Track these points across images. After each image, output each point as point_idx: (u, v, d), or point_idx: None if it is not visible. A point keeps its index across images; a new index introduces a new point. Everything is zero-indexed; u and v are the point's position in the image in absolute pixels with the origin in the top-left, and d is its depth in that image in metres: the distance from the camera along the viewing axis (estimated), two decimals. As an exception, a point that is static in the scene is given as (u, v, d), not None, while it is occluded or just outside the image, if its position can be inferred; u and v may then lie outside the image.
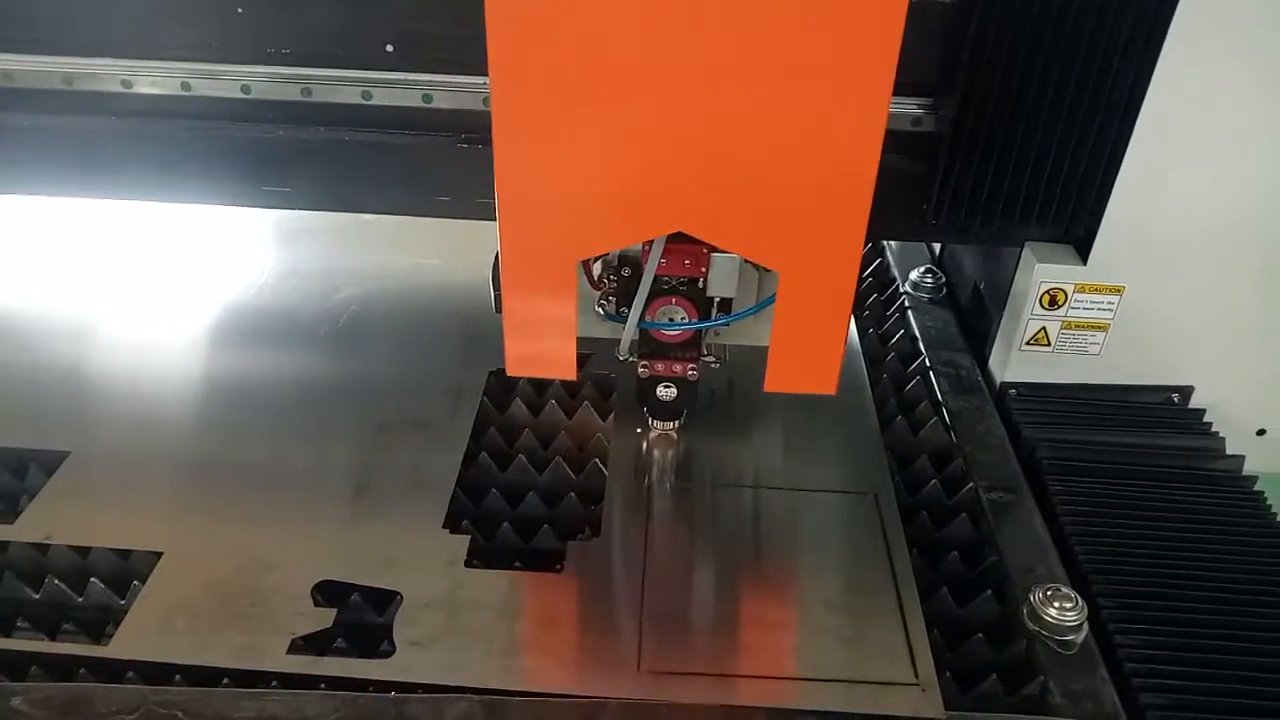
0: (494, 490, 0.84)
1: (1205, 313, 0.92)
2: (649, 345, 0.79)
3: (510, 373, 0.76)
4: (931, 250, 1.19)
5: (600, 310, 0.77)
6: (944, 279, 1.12)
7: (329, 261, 1.16)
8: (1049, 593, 0.72)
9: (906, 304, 1.10)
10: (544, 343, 0.74)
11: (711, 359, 0.81)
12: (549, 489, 0.86)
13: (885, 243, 1.23)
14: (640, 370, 0.81)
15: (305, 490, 0.84)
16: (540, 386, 0.97)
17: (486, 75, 0.62)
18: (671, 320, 0.76)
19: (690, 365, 0.80)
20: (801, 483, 0.85)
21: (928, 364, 1.00)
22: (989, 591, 0.76)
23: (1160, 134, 0.82)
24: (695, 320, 0.76)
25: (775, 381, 0.75)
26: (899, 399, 0.98)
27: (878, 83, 0.61)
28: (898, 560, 0.77)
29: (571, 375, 0.76)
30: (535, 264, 0.70)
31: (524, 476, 0.87)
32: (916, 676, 0.68)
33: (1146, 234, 0.87)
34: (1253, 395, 0.96)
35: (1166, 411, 0.95)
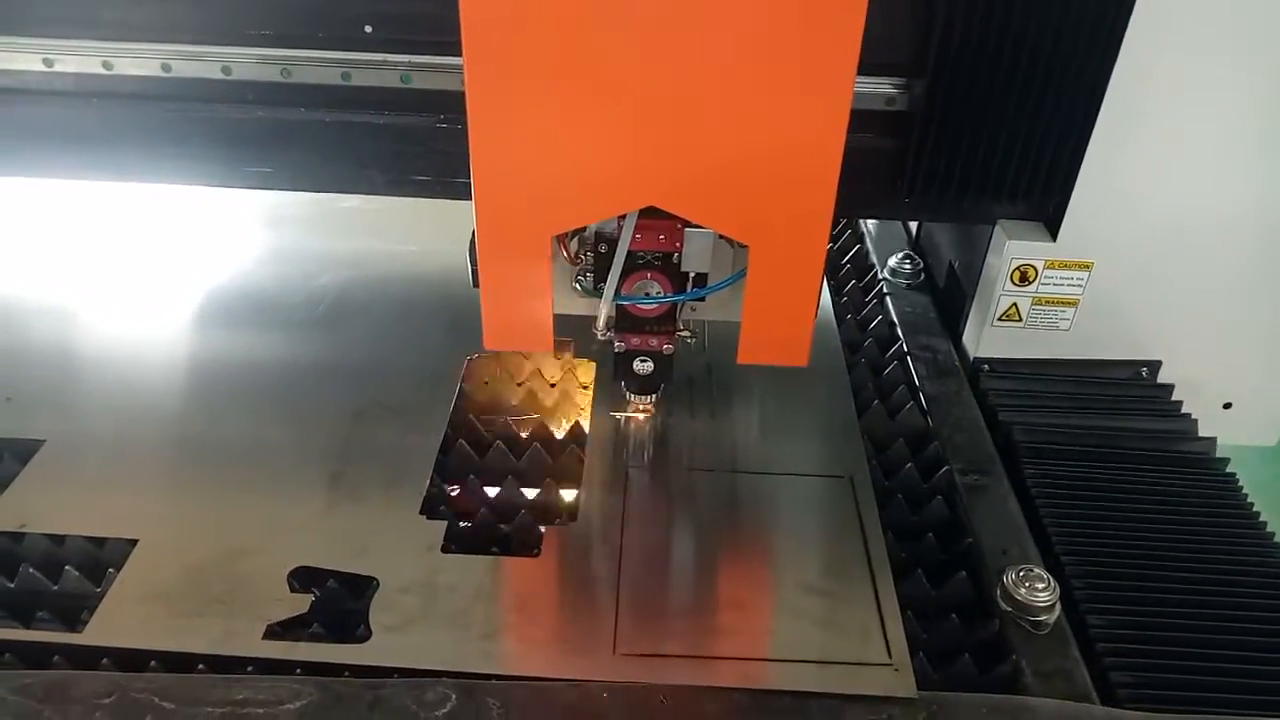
0: (471, 476, 0.84)
1: (1173, 289, 0.93)
2: (625, 320, 0.80)
3: (488, 346, 0.76)
4: (909, 235, 1.20)
5: (578, 287, 0.78)
6: (921, 264, 1.13)
7: (308, 248, 1.15)
8: (1022, 574, 0.72)
9: (885, 290, 1.11)
10: (520, 316, 0.74)
11: (687, 334, 0.82)
12: (526, 475, 0.86)
13: (864, 230, 1.23)
14: (616, 345, 0.81)
15: (282, 477, 0.84)
16: (519, 372, 0.97)
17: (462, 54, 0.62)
18: (647, 295, 0.77)
19: (666, 340, 0.81)
20: (778, 467, 0.85)
21: (905, 349, 1.00)
22: (963, 573, 0.77)
23: (1126, 111, 0.82)
24: (670, 294, 0.77)
25: (748, 353, 0.76)
26: (876, 384, 0.98)
27: (842, 61, 0.61)
28: (872, 543, 0.77)
29: (548, 347, 0.76)
30: (510, 238, 0.70)
31: (501, 462, 0.87)
32: (890, 657, 0.68)
33: (1114, 211, 0.88)
34: (1219, 370, 0.97)
35: (1139, 392, 0.95)
